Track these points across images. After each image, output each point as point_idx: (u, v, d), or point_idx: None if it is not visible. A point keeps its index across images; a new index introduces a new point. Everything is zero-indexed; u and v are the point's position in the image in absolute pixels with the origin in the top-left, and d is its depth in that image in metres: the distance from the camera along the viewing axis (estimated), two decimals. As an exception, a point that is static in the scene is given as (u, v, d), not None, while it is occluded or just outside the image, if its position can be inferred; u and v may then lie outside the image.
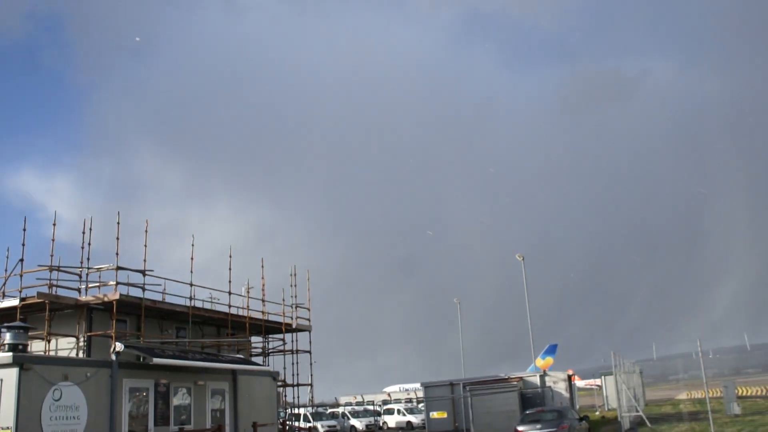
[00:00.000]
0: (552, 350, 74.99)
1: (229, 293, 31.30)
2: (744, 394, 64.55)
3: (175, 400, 24.55)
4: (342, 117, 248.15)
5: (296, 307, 35.45)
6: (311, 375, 36.76)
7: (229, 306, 31.29)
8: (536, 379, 44.05)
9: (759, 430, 28.64)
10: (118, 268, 25.32)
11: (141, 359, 23.20)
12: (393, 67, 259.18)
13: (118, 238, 25.75)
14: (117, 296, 24.82)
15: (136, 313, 26.27)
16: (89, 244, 27.05)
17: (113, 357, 22.11)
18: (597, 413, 56.05)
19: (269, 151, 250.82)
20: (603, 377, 65.51)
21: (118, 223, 26.02)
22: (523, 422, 27.92)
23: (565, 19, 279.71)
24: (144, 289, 26.24)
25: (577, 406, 49.32)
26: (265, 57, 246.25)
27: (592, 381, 79.40)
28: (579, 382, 72.04)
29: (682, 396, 70.66)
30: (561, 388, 44.10)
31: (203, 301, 31.56)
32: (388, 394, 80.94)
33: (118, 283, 25.34)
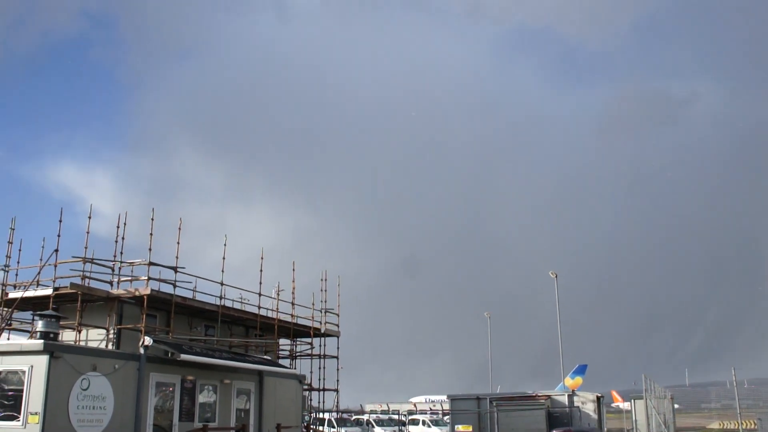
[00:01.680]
0: (582, 370, 74.19)
1: (259, 294, 31.32)
2: (779, 426, 63.18)
3: (201, 397, 24.60)
4: (384, 125, 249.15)
5: (326, 312, 35.40)
6: (337, 380, 36.66)
7: (259, 307, 31.30)
8: (564, 399, 43.56)
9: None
10: (151, 263, 25.42)
11: (169, 354, 23.29)
12: (437, 79, 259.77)
13: (151, 234, 25.90)
14: (148, 291, 24.92)
15: (166, 309, 26.35)
16: (123, 238, 27.20)
17: (142, 351, 22.20)
18: (625, 437, 55.25)
19: (310, 155, 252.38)
20: (633, 401, 64.56)
21: (153, 219, 26.20)
22: (549, 440, 27.59)
23: (612, 38, 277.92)
24: (175, 286, 26.31)
25: (605, 429, 48.61)
26: (312, 62, 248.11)
27: None
28: (622, 404, 70.94)
29: (714, 425, 69.43)
30: (589, 409, 43.50)
31: (233, 300, 31.64)
32: (414, 405, 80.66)
33: (149, 278, 25.44)
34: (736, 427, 33.52)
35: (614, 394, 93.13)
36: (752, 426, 46.53)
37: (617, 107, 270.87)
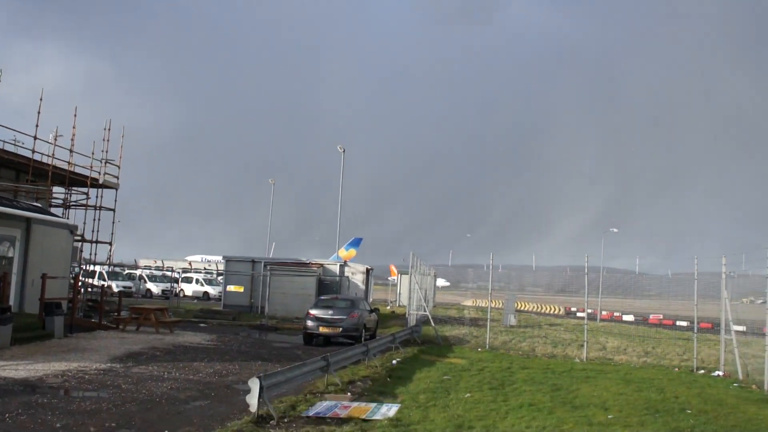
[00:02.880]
0: (356, 243, 77.12)
1: (35, 138, 29.67)
2: (522, 308, 69.83)
3: (-42, 241, 23.42)
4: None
5: (106, 163, 34.22)
6: (112, 234, 35.90)
7: (33, 151, 29.73)
8: (336, 268, 45.51)
9: (526, 340, 31.29)
10: None
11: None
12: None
13: None
14: None
15: (-74, 145, 24.53)
16: None
17: None
18: (388, 308, 58.82)
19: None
20: (400, 275, 68.60)
21: None
22: (316, 306, 28.83)
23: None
24: (-62, 121, 24.43)
25: (371, 299, 51.50)
26: None
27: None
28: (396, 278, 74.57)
29: (468, 303, 75.43)
30: (358, 280, 45.84)
31: (5, 142, 29.86)
32: (190, 263, 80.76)
33: None
34: (486, 304, 36.86)
35: (392, 268, 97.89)
36: (500, 305, 51.23)
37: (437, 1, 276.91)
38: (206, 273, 68.41)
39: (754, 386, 19.97)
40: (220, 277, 57.41)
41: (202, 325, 34.39)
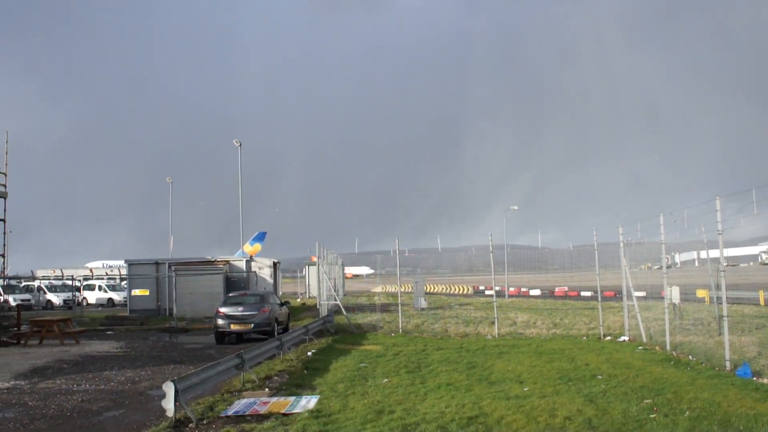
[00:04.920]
0: (261, 237, 76.43)
1: None
2: (431, 290, 70.65)
3: None
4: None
5: (-8, 172, 32.74)
6: (5, 245, 34.42)
7: None
8: (242, 264, 44.93)
9: (438, 321, 31.68)
10: None
11: None
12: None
13: None
14: None
15: None
16: None
17: None
18: (298, 300, 58.60)
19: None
20: (307, 267, 68.40)
21: None
22: (225, 304, 28.31)
23: None
24: None
25: (280, 293, 51.14)
26: None
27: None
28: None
29: (378, 289, 75.79)
30: (266, 274, 45.45)
31: None
32: (91, 270, 78.31)
33: None
34: (396, 290, 37.22)
35: (314, 259, 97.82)
36: (410, 289, 51.65)
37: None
38: (109, 279, 66.53)
39: (657, 348, 20.76)
40: (124, 282, 55.88)
41: (109, 332, 33.42)
